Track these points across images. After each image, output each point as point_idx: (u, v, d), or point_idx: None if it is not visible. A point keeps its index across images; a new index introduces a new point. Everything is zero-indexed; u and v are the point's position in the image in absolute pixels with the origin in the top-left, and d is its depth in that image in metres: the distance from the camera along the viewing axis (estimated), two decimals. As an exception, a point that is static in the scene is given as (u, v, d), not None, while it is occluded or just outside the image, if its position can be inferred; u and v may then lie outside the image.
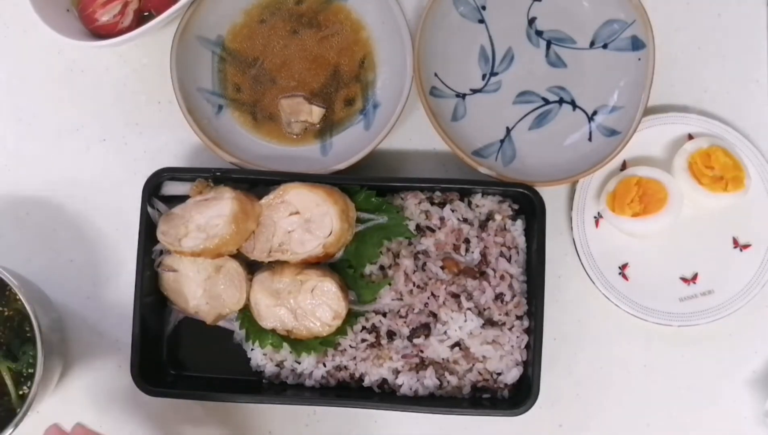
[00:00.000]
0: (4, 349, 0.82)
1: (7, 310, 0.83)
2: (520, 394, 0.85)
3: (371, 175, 0.93)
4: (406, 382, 0.86)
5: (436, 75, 0.92)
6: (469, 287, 0.86)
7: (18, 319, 0.83)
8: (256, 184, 0.88)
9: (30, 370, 0.81)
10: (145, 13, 0.93)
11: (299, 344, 0.85)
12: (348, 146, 0.91)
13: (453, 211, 0.88)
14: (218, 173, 0.86)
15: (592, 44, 0.93)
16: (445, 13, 0.92)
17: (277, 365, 0.88)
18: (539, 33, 0.94)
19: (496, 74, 0.94)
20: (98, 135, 0.96)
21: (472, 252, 0.87)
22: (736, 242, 0.91)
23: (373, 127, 0.92)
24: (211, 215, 0.83)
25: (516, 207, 0.89)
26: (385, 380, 0.87)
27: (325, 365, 0.87)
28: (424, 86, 0.90)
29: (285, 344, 0.86)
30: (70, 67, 0.97)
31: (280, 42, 0.95)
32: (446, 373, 0.86)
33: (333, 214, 0.83)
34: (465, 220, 0.88)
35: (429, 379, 0.86)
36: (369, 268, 0.87)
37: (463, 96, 0.93)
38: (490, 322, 0.86)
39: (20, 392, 0.82)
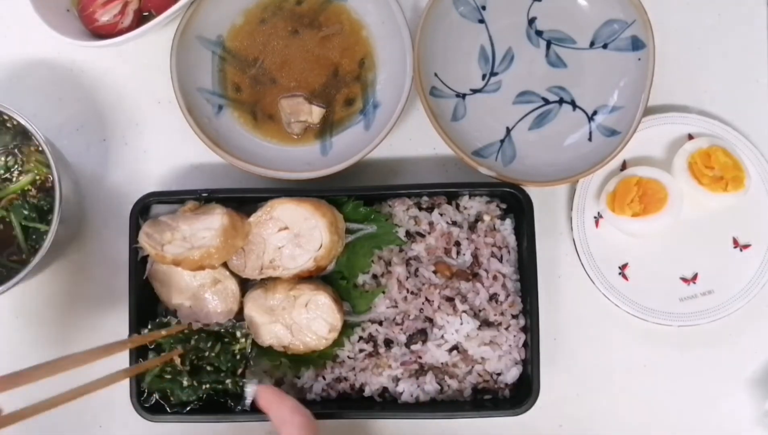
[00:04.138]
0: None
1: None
2: (521, 393, 0.85)
3: (357, 186, 0.92)
4: (407, 389, 0.85)
5: (436, 75, 0.92)
6: (463, 290, 0.86)
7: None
8: (243, 202, 0.87)
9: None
10: (145, 13, 0.93)
11: (297, 359, 0.85)
12: (348, 146, 0.91)
13: (441, 214, 0.88)
14: (204, 194, 0.86)
15: (592, 44, 0.93)
16: (445, 13, 0.92)
17: (277, 381, 0.87)
18: (539, 33, 0.94)
19: (496, 74, 0.94)
20: (98, 135, 0.96)
21: (464, 254, 0.87)
22: (736, 242, 0.91)
23: (373, 127, 0.92)
24: (200, 228, 0.82)
25: (504, 206, 0.89)
26: (385, 389, 0.86)
27: (324, 378, 0.86)
28: (424, 86, 0.90)
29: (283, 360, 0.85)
30: (70, 67, 0.97)
31: (281, 42, 0.95)
32: (446, 377, 0.86)
33: (322, 227, 0.83)
34: (454, 223, 0.88)
35: (429, 385, 0.86)
36: (362, 278, 0.87)
37: (463, 96, 0.93)
38: (486, 323, 0.86)
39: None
